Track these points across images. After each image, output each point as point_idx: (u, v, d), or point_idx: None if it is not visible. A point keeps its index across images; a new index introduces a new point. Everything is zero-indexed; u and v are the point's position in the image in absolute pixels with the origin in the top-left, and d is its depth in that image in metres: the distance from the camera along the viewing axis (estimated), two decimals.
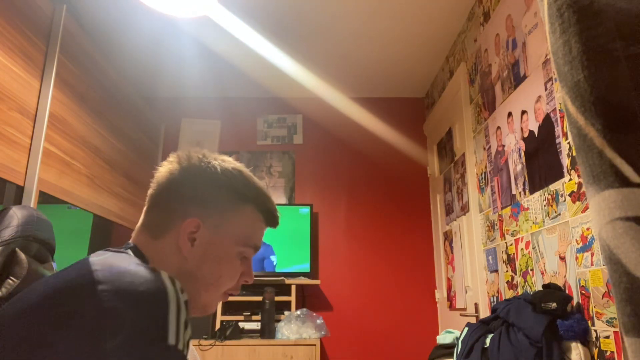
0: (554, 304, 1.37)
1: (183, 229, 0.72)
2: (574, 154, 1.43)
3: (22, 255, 0.71)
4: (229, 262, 0.75)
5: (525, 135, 1.79)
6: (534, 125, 1.71)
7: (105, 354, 0.50)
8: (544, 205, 1.63)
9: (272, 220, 0.82)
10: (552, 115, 1.58)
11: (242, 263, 0.77)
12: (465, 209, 2.53)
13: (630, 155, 0.37)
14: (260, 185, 0.81)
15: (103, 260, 0.59)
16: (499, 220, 2.04)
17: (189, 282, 0.72)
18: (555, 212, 1.55)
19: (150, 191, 0.77)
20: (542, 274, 1.66)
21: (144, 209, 0.77)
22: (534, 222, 1.72)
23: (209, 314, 0.77)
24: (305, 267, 2.95)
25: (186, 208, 0.73)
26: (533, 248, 1.73)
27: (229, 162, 0.79)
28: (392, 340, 3.03)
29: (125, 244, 0.73)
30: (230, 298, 2.77)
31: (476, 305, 2.33)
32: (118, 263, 0.59)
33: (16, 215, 0.76)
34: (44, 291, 0.56)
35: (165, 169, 0.76)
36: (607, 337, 1.30)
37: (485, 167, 2.22)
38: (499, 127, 2.05)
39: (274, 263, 2.96)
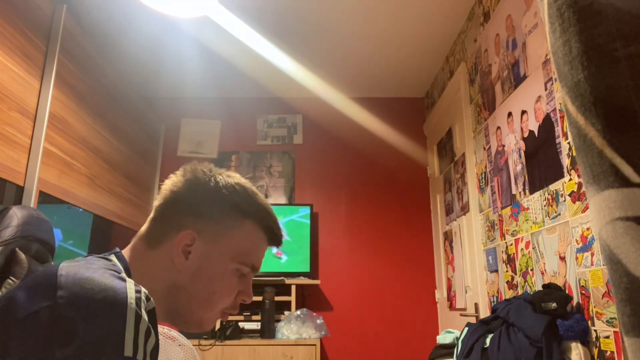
0: (554, 304, 1.37)
1: (178, 241, 0.71)
2: (574, 154, 1.43)
3: (22, 255, 0.71)
4: (224, 279, 0.73)
5: (525, 135, 1.79)
6: (534, 125, 1.71)
7: None
8: (544, 205, 1.63)
9: (274, 238, 0.80)
10: (552, 115, 1.58)
11: (239, 281, 0.75)
12: (465, 209, 2.53)
13: (630, 155, 0.37)
14: (264, 202, 0.78)
15: (72, 266, 0.57)
16: (499, 220, 2.04)
17: (181, 297, 0.71)
18: (555, 212, 1.55)
19: (155, 202, 0.77)
20: (542, 274, 1.66)
21: (148, 218, 0.77)
22: (534, 222, 1.72)
23: (206, 331, 0.75)
24: (305, 267, 2.95)
25: (184, 220, 0.72)
26: (533, 248, 1.73)
27: (235, 177, 0.77)
28: (392, 340, 3.03)
29: (113, 249, 0.72)
30: None
31: (476, 305, 2.33)
32: (84, 270, 0.56)
33: (16, 215, 0.75)
34: (12, 293, 0.56)
35: (170, 181, 0.76)
36: (607, 337, 1.30)
37: (485, 167, 2.22)
38: (499, 127, 2.05)
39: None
